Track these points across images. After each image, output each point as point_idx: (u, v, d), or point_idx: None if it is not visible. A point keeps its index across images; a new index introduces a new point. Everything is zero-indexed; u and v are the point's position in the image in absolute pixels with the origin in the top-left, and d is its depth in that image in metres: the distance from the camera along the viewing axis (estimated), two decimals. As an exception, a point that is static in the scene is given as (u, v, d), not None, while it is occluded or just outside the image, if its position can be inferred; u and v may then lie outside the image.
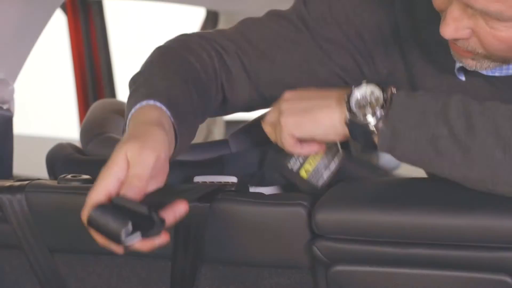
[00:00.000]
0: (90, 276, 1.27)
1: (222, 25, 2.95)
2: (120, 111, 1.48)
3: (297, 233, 1.14)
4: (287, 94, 1.18)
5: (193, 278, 1.21)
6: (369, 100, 1.11)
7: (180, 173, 1.27)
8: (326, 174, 1.18)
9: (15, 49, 1.54)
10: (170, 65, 1.28)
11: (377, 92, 1.11)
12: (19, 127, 1.76)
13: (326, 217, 1.10)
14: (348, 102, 1.11)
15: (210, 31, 1.38)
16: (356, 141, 1.12)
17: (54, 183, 1.25)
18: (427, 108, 1.08)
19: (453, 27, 1.12)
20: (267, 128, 1.20)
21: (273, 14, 1.36)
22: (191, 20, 3.42)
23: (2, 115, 1.50)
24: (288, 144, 1.16)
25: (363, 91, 1.12)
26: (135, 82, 1.25)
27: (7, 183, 1.26)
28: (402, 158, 1.10)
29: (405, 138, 1.08)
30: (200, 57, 1.30)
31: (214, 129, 3.07)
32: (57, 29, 2.38)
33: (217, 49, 1.32)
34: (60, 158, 1.34)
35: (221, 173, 1.30)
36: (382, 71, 1.33)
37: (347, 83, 1.34)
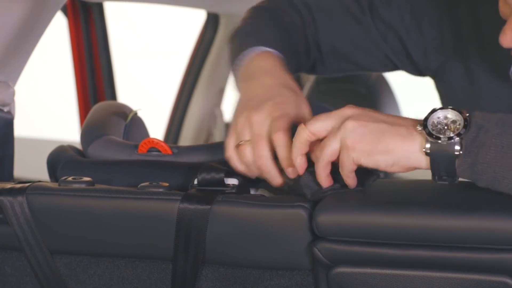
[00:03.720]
0: (91, 278, 1.27)
1: (223, 27, 2.96)
2: (121, 113, 1.49)
3: (298, 235, 1.14)
4: (350, 111, 1.11)
5: (194, 279, 1.21)
6: (445, 124, 1.07)
7: (181, 174, 1.27)
8: None
9: (16, 51, 1.55)
10: (272, 22, 1.43)
11: (452, 115, 1.07)
12: (20, 130, 1.76)
13: (327, 218, 1.10)
14: (424, 129, 1.07)
15: None
16: (436, 169, 1.07)
17: (55, 185, 1.25)
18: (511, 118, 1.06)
19: (510, 37, 1.15)
20: (305, 132, 1.13)
21: None
22: (192, 23, 3.43)
23: (3, 118, 1.50)
24: (351, 168, 1.10)
25: (436, 117, 1.07)
26: (241, 32, 1.40)
27: (8, 185, 1.27)
28: (484, 171, 1.05)
29: (490, 146, 1.04)
30: (292, 19, 1.46)
31: (215, 130, 3.08)
32: (58, 31, 2.38)
33: (300, 11, 1.48)
34: (61, 160, 1.34)
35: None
36: (433, 64, 1.42)
37: (396, 66, 1.49)
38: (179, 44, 4.76)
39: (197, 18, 3.08)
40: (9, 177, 1.52)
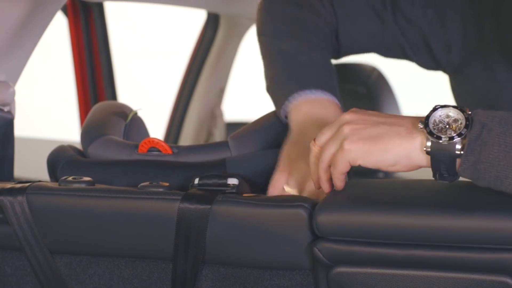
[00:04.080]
0: (91, 278, 1.27)
1: (223, 27, 2.95)
2: (121, 113, 1.49)
3: (298, 235, 1.14)
4: (348, 116, 1.12)
5: (194, 279, 1.21)
6: (447, 123, 1.07)
7: (181, 174, 1.27)
8: None
9: (16, 51, 1.55)
10: (305, 35, 1.44)
11: (454, 114, 1.07)
12: (20, 129, 1.76)
13: (327, 218, 1.10)
14: (425, 127, 1.06)
15: None
16: (436, 168, 1.07)
17: (55, 185, 1.25)
18: None
19: None
20: (315, 148, 1.15)
21: None
22: (192, 23, 3.43)
23: (3, 117, 1.50)
24: (343, 170, 1.11)
25: (438, 116, 1.07)
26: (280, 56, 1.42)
27: (8, 185, 1.27)
28: (487, 170, 1.04)
29: (493, 145, 1.04)
30: (320, 14, 1.47)
31: (215, 130, 3.08)
32: (58, 31, 2.38)
33: (323, 4, 1.49)
34: (61, 160, 1.34)
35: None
36: (456, 59, 1.43)
37: (410, 59, 1.49)
38: (179, 44, 4.77)
39: (197, 18, 3.08)
40: (9, 177, 1.52)
